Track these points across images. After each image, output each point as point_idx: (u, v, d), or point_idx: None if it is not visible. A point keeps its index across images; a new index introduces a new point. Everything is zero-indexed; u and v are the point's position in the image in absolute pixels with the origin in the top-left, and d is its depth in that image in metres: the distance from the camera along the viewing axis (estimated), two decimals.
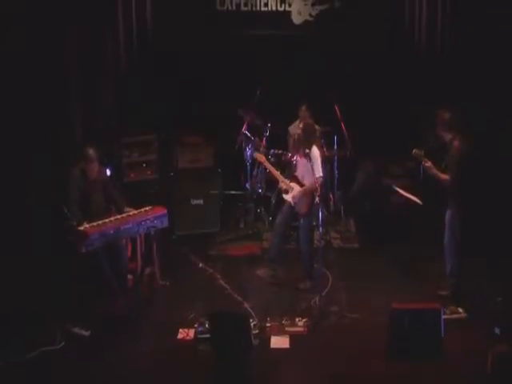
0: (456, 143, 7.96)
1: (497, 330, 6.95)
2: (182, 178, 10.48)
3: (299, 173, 8.78)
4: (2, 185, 8.45)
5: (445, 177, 7.91)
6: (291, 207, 8.79)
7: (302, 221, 8.74)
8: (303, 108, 10.63)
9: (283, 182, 8.89)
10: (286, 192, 8.82)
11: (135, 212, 8.48)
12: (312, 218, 8.82)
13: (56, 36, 9.13)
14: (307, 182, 8.61)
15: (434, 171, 7.93)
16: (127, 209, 8.48)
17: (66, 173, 8.31)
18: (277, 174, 9.12)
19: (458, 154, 7.92)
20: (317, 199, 8.52)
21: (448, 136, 8.03)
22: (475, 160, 8.20)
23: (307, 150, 8.55)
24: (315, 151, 8.63)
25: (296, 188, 8.70)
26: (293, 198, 8.70)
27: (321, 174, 8.57)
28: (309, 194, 8.57)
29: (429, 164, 7.91)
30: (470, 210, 8.14)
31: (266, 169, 9.93)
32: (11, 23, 8.58)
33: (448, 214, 8.12)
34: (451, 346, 6.93)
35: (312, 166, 8.47)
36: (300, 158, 8.75)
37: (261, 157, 9.25)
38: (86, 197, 8.23)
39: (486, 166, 9.07)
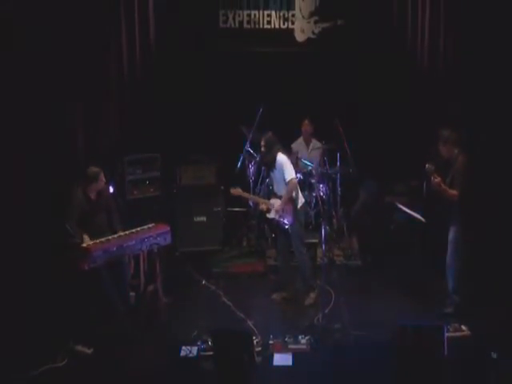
0: (461, 159, 7.99)
1: (494, 355, 6.92)
2: (184, 196, 10.51)
3: (276, 187, 8.86)
4: (4, 201, 8.46)
5: (453, 192, 7.90)
6: (278, 224, 8.84)
7: (289, 230, 8.74)
8: (305, 122, 10.68)
9: (263, 203, 9.00)
10: (268, 211, 8.86)
11: (138, 229, 8.50)
12: (299, 224, 8.81)
13: (59, 54, 9.16)
14: (284, 192, 8.67)
15: (443, 187, 7.92)
16: (119, 232, 8.47)
17: (69, 193, 8.33)
18: (254, 198, 9.47)
19: (464, 169, 7.94)
20: (300, 203, 8.64)
21: (453, 152, 8.04)
22: (480, 176, 8.25)
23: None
24: (281, 157, 8.63)
25: (276, 203, 8.73)
26: (276, 212, 8.72)
27: (293, 176, 8.60)
28: (288, 202, 8.62)
29: (438, 180, 7.90)
30: (477, 225, 8.17)
31: (270, 185, 10.03)
32: (13, 36, 8.63)
33: (452, 231, 8.12)
34: (454, 364, 6.90)
35: (283, 172, 8.54)
36: (271, 171, 8.80)
37: (236, 191, 9.19)
38: (90, 217, 8.26)
39: (491, 182, 9.10)
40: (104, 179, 8.38)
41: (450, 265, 8.15)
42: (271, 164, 8.68)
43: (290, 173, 8.58)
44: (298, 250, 8.78)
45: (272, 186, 9.51)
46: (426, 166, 7.96)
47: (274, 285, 9.29)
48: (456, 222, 8.08)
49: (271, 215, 8.85)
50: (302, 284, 8.89)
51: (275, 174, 8.74)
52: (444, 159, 8.11)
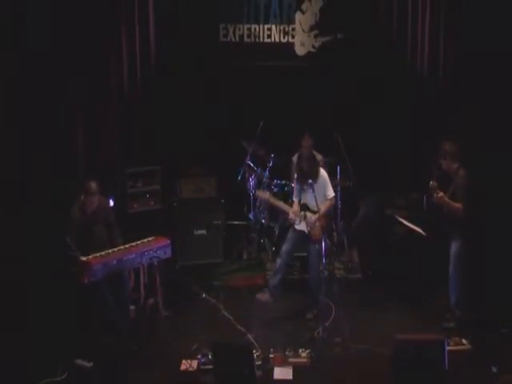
0: (461, 173, 7.99)
1: (494, 369, 6.89)
2: (184, 209, 10.50)
3: (308, 199, 8.73)
4: (5, 213, 8.47)
5: (457, 205, 7.89)
6: (302, 236, 8.78)
7: (317, 246, 8.66)
8: (306, 136, 10.67)
9: (293, 213, 8.82)
10: (298, 222, 8.80)
11: (138, 243, 8.50)
12: (325, 243, 8.81)
13: (60, 65, 9.20)
14: (319, 206, 8.55)
15: (446, 200, 7.90)
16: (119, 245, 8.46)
17: (68, 208, 8.35)
18: (284, 206, 9.07)
19: (466, 183, 7.94)
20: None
21: (453, 166, 8.05)
22: (482, 189, 8.27)
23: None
24: (324, 173, 8.71)
25: (309, 215, 8.68)
26: (309, 225, 8.66)
27: (333, 194, 8.72)
28: (324, 218, 8.61)
29: (441, 195, 7.88)
30: (480, 239, 8.17)
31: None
32: (16, 46, 8.68)
33: (454, 245, 8.09)
34: (455, 379, 6.88)
35: (325, 187, 8.58)
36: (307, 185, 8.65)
37: (264, 193, 9.16)
38: (87, 231, 8.24)
39: (494, 194, 9.13)
40: (92, 194, 8.26)
41: (453, 279, 8.13)
42: (315, 177, 8.59)
43: (331, 189, 8.67)
44: (316, 268, 8.77)
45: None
46: (431, 183, 7.95)
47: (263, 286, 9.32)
48: (458, 236, 8.06)
49: (300, 227, 8.81)
50: (309, 298, 8.91)
51: (312, 187, 8.53)
52: (444, 173, 8.12)
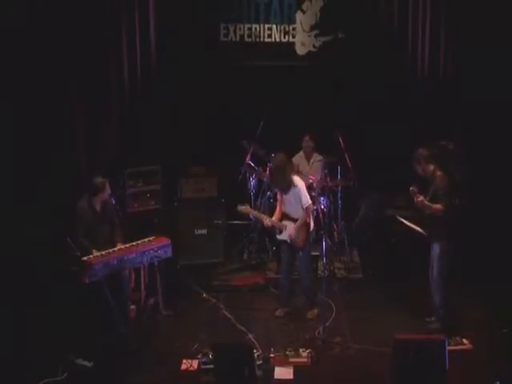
0: (438, 174, 7.98)
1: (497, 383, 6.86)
2: (185, 208, 10.50)
3: (288, 209, 8.67)
4: (5, 214, 8.47)
5: (438, 207, 7.86)
6: (287, 245, 8.74)
7: (300, 253, 8.70)
8: (306, 138, 10.66)
9: (271, 222, 8.72)
10: (280, 232, 8.75)
11: (139, 242, 8.50)
12: (310, 247, 8.83)
13: (60, 65, 9.21)
14: (298, 215, 8.56)
15: (427, 203, 7.86)
16: (119, 245, 8.47)
17: (70, 206, 8.36)
18: (266, 218, 8.88)
19: (444, 183, 7.93)
20: (311, 227, 8.66)
21: (429, 169, 8.04)
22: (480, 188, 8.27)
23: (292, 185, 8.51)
24: (298, 181, 8.59)
25: (289, 225, 8.62)
26: (289, 236, 8.60)
27: (309, 202, 8.57)
28: (303, 227, 8.57)
29: (420, 199, 7.84)
30: (462, 239, 8.17)
31: (271, 198, 10.10)
32: (16, 46, 8.68)
33: (436, 247, 8.06)
34: (456, 378, 6.87)
35: (299, 197, 8.48)
36: (285, 194, 8.63)
37: (246, 209, 9.09)
38: (93, 229, 8.27)
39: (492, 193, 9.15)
40: (109, 190, 8.40)
41: (436, 279, 8.11)
42: (286, 187, 8.55)
43: (307, 198, 8.55)
44: (306, 271, 8.76)
45: (273, 199, 9.50)
46: (410, 188, 7.93)
47: (277, 301, 9.23)
48: (441, 237, 8.03)
49: (282, 237, 8.75)
50: (306, 301, 8.89)
51: (289, 197, 8.59)
52: (421, 177, 8.09)
